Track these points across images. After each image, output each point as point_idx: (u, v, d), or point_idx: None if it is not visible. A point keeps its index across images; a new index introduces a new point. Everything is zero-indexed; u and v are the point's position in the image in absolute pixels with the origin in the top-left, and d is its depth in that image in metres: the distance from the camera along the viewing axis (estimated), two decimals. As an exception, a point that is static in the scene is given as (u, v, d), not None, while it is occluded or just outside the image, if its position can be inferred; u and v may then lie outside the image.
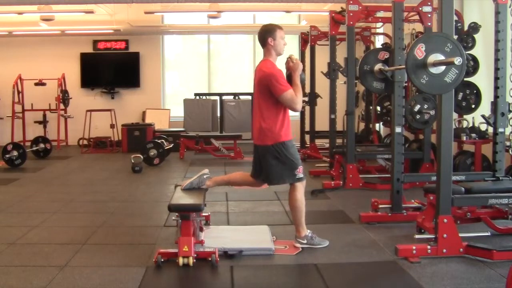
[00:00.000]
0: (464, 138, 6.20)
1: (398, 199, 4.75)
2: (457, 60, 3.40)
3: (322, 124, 9.56)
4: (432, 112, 5.77)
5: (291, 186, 3.99)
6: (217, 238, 4.10)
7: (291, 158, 3.91)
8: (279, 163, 3.91)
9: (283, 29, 4.00)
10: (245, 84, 12.06)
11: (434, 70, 3.52)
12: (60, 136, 11.29)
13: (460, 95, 6.15)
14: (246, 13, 11.75)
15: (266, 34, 3.94)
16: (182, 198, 3.93)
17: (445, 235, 3.64)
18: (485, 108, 5.83)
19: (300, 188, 3.98)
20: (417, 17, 6.20)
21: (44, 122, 11.33)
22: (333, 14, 7.25)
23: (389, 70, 5.18)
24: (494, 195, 3.96)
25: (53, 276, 3.39)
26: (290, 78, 3.95)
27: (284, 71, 3.99)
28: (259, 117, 3.96)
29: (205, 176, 4.18)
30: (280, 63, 3.98)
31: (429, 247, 3.67)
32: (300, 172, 3.95)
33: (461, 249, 3.67)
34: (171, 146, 9.48)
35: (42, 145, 9.74)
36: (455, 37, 4.10)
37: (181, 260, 3.56)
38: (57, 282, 3.29)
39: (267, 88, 3.86)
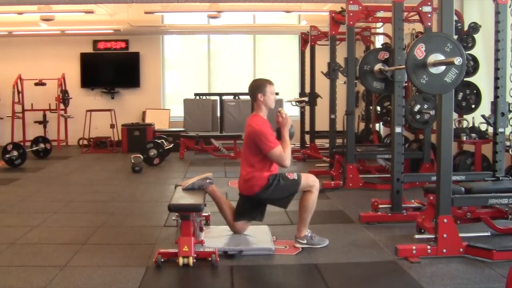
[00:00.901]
0: (464, 138, 6.20)
1: (398, 199, 4.75)
2: (457, 60, 3.40)
3: (322, 124, 9.56)
4: (432, 112, 5.77)
5: (306, 191, 3.99)
6: (217, 238, 4.10)
7: (281, 189, 3.93)
8: (275, 198, 3.97)
9: (273, 84, 4.07)
10: (245, 84, 12.02)
11: (434, 70, 3.52)
12: (60, 136, 11.29)
13: (460, 95, 6.16)
14: (246, 13, 11.75)
15: (256, 90, 4.01)
16: (182, 198, 3.93)
17: (445, 235, 3.64)
18: (485, 108, 5.83)
19: (315, 192, 3.99)
20: (417, 17, 6.20)
21: (44, 122, 11.33)
22: (333, 14, 7.25)
23: (389, 70, 5.18)
24: (494, 195, 3.96)
25: (53, 276, 3.39)
26: (279, 133, 4.00)
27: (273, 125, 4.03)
28: (247, 168, 4.00)
29: (208, 181, 4.19)
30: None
31: (429, 247, 3.67)
32: (292, 176, 3.94)
33: (461, 249, 3.67)
34: (171, 146, 9.48)
35: (42, 145, 9.73)
36: (455, 37, 4.10)
37: (181, 260, 3.56)
38: (57, 282, 3.29)
39: (255, 144, 3.91)
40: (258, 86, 4.02)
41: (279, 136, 3.99)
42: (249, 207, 4.09)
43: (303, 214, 3.99)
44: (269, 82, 4.05)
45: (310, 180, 3.98)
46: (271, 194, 3.94)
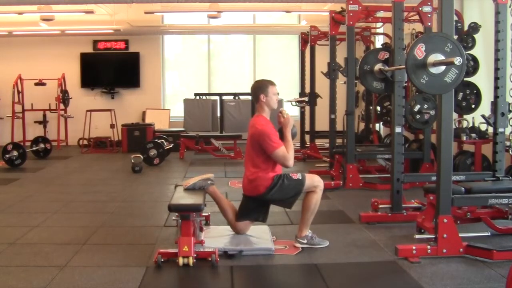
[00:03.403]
0: (464, 138, 6.20)
1: (398, 199, 4.75)
2: (457, 60, 3.40)
3: (322, 124, 9.56)
4: (432, 112, 5.77)
5: (309, 191, 4.00)
6: (217, 238, 4.10)
7: (285, 190, 3.94)
8: (279, 199, 3.98)
9: (275, 85, 4.07)
10: (245, 84, 12.06)
11: (434, 70, 3.52)
12: (60, 136, 11.30)
13: (460, 95, 6.16)
14: (246, 13, 11.75)
15: (258, 91, 4.01)
16: (182, 198, 3.93)
17: (445, 235, 3.64)
18: (485, 108, 5.83)
19: (319, 193, 3.99)
20: (417, 17, 6.20)
21: (44, 122, 11.33)
22: (333, 14, 7.25)
23: (389, 70, 5.18)
24: (494, 195, 3.96)
25: (53, 276, 3.39)
26: (281, 133, 4.00)
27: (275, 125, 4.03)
28: (250, 169, 4.01)
29: (209, 182, 4.20)
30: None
31: (429, 247, 3.67)
32: (296, 176, 3.96)
33: (461, 249, 3.67)
34: (171, 146, 9.49)
35: (42, 145, 9.74)
36: (455, 37, 4.10)
37: (181, 260, 3.56)
38: (57, 282, 3.29)
39: (259, 145, 3.91)
40: (260, 87, 4.03)
41: (282, 137, 3.99)
42: (253, 208, 4.10)
43: (306, 214, 3.99)
44: (271, 83, 4.06)
45: (315, 181, 3.98)
46: (276, 194, 3.95)
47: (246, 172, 4.07)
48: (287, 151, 3.89)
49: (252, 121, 4.05)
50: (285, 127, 4.00)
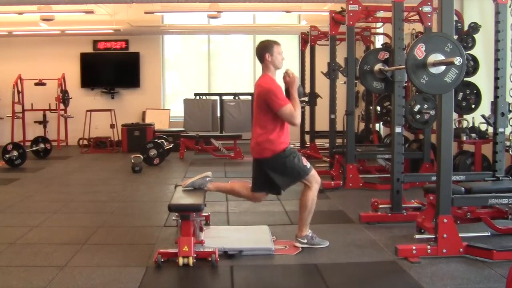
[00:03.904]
0: (464, 138, 6.20)
1: (398, 199, 4.75)
2: (457, 60, 3.40)
3: (322, 124, 9.56)
4: (432, 112, 5.77)
5: (306, 185, 3.98)
6: (217, 238, 4.10)
7: (291, 166, 3.90)
8: (281, 173, 3.92)
9: (280, 44, 4.05)
10: (245, 84, 12.07)
11: (434, 70, 3.52)
12: (60, 136, 11.30)
13: (460, 95, 6.15)
14: (246, 13, 11.75)
15: (263, 51, 3.98)
16: (182, 198, 3.93)
17: (445, 235, 3.65)
18: (485, 108, 5.83)
19: (315, 189, 3.98)
20: (417, 17, 6.20)
21: (44, 122, 11.33)
22: (333, 14, 7.25)
23: (389, 70, 5.18)
24: (494, 195, 3.96)
25: (53, 276, 3.39)
26: (288, 93, 3.97)
27: (282, 85, 4.00)
28: (258, 130, 3.98)
29: (207, 179, 4.19)
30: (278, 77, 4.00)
31: (429, 247, 3.67)
32: (306, 162, 3.93)
33: (461, 249, 3.67)
34: (171, 146, 9.48)
35: (42, 145, 9.74)
36: (455, 37, 4.10)
37: (181, 260, 3.56)
38: (57, 282, 3.29)
39: (266, 103, 3.88)
40: (265, 47, 3.99)
41: (288, 96, 3.94)
42: (258, 174, 4.05)
43: (303, 213, 3.99)
44: (276, 42, 4.03)
45: (316, 177, 3.98)
46: (280, 167, 3.90)
47: (254, 134, 4.02)
48: (294, 109, 3.85)
49: (258, 81, 4.01)
50: (291, 86, 3.96)
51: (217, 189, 4.26)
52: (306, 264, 3.68)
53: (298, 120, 3.89)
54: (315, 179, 3.96)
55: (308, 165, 3.96)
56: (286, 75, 4.00)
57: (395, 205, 4.74)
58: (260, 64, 4.04)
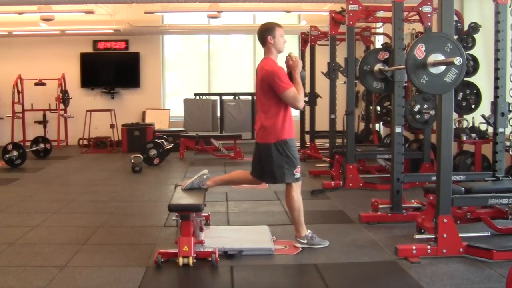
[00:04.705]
0: (464, 138, 6.20)
1: (398, 199, 4.75)
2: (457, 60, 3.40)
3: (322, 124, 9.56)
4: (432, 112, 5.77)
5: (287, 186, 3.97)
6: (217, 238, 4.10)
7: (292, 157, 3.91)
8: (280, 161, 3.89)
9: (282, 27, 4.00)
10: (245, 84, 12.07)
11: (434, 70, 3.52)
12: (60, 136, 11.29)
13: (460, 95, 6.15)
14: (246, 13, 11.75)
15: (265, 33, 3.94)
16: (182, 198, 3.93)
17: (445, 235, 3.64)
18: (485, 108, 5.82)
19: (296, 188, 3.97)
20: (417, 17, 6.20)
21: (44, 122, 11.33)
22: (333, 14, 7.25)
23: (389, 70, 5.18)
24: (494, 195, 3.96)
25: (53, 276, 3.39)
26: (290, 76, 3.95)
27: (285, 68, 3.99)
28: (262, 115, 3.96)
29: (205, 176, 4.18)
30: (280, 62, 3.98)
31: (429, 247, 3.67)
32: (298, 172, 3.95)
33: (461, 249, 3.67)
34: (171, 146, 9.48)
35: (42, 145, 9.74)
36: (455, 37, 4.09)
37: (181, 260, 3.56)
38: (57, 282, 3.29)
39: (269, 86, 3.85)
40: (267, 29, 3.95)
41: (291, 79, 3.91)
42: (258, 158, 4.04)
43: (293, 214, 4.00)
44: (278, 24, 3.99)
45: (298, 176, 3.94)
46: (279, 156, 3.88)
47: (258, 119, 4.01)
48: (298, 92, 3.84)
49: (261, 64, 3.98)
50: (294, 69, 3.94)
51: (216, 183, 4.24)
52: (306, 264, 3.68)
53: (301, 103, 3.88)
54: (296, 176, 3.93)
55: (299, 175, 3.95)
56: (289, 59, 3.98)
57: (395, 205, 4.74)
58: (262, 48, 3.99)
